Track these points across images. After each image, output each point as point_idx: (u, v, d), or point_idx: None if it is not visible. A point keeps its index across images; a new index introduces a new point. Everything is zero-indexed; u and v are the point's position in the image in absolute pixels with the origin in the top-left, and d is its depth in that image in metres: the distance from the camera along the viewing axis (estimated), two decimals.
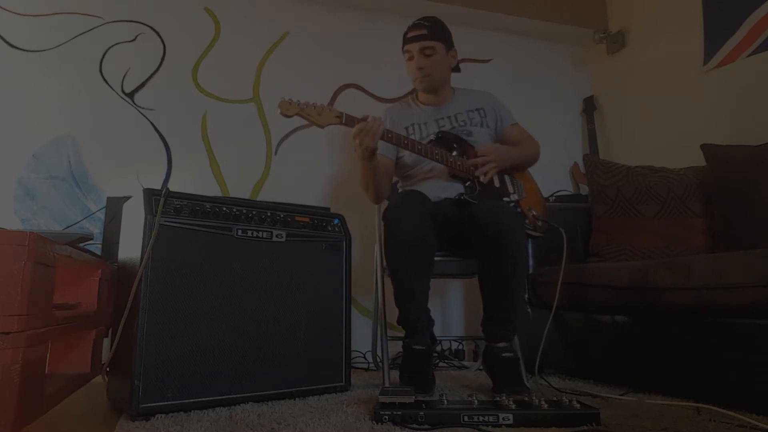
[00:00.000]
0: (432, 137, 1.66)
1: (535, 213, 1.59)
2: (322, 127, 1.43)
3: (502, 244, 1.38)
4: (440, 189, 1.61)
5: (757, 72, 2.02)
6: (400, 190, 1.80)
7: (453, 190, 1.59)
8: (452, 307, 2.42)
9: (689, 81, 2.30)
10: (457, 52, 1.78)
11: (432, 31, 1.67)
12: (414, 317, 1.43)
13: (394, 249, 1.42)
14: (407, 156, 1.70)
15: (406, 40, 1.70)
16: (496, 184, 1.64)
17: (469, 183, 1.60)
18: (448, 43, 1.72)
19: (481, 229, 1.41)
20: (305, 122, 2.52)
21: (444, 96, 1.77)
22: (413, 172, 1.72)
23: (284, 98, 1.41)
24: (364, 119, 1.42)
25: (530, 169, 1.80)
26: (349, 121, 1.44)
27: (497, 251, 1.39)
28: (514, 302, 1.47)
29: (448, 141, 1.64)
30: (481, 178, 1.58)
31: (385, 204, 1.60)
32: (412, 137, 1.65)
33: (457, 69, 1.80)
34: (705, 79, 2.23)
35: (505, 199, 1.60)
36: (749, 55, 2.04)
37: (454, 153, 1.61)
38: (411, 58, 1.69)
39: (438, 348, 2.10)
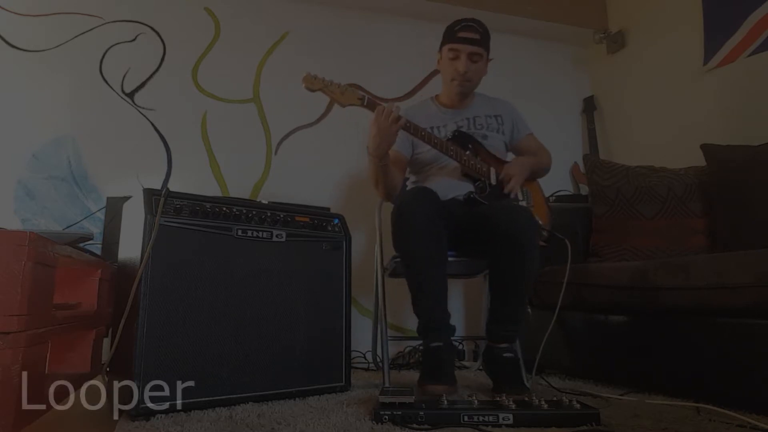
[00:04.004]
0: (449, 135, 1.67)
1: (540, 222, 1.59)
2: (342, 106, 1.44)
3: (515, 244, 1.38)
4: (451, 187, 1.62)
5: (757, 72, 2.02)
6: (408, 187, 1.80)
7: (463, 188, 1.61)
8: (452, 307, 2.36)
9: (689, 81, 2.30)
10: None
11: (483, 38, 1.66)
12: (430, 316, 1.42)
13: (407, 239, 1.40)
14: (424, 154, 1.71)
15: (457, 39, 1.65)
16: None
17: (479, 183, 1.60)
18: (488, 52, 1.71)
19: (495, 228, 1.41)
20: (305, 122, 2.52)
21: (467, 100, 1.78)
22: (426, 168, 1.73)
23: (309, 73, 1.41)
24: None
25: None
26: (371, 104, 1.44)
27: (511, 251, 1.38)
28: (523, 303, 1.46)
29: (463, 140, 1.65)
30: (506, 190, 1.60)
31: (386, 205, 1.59)
32: None
33: None
34: (705, 78, 2.23)
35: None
36: (749, 55, 2.04)
37: (468, 152, 1.62)
38: (456, 58, 1.66)
39: None
